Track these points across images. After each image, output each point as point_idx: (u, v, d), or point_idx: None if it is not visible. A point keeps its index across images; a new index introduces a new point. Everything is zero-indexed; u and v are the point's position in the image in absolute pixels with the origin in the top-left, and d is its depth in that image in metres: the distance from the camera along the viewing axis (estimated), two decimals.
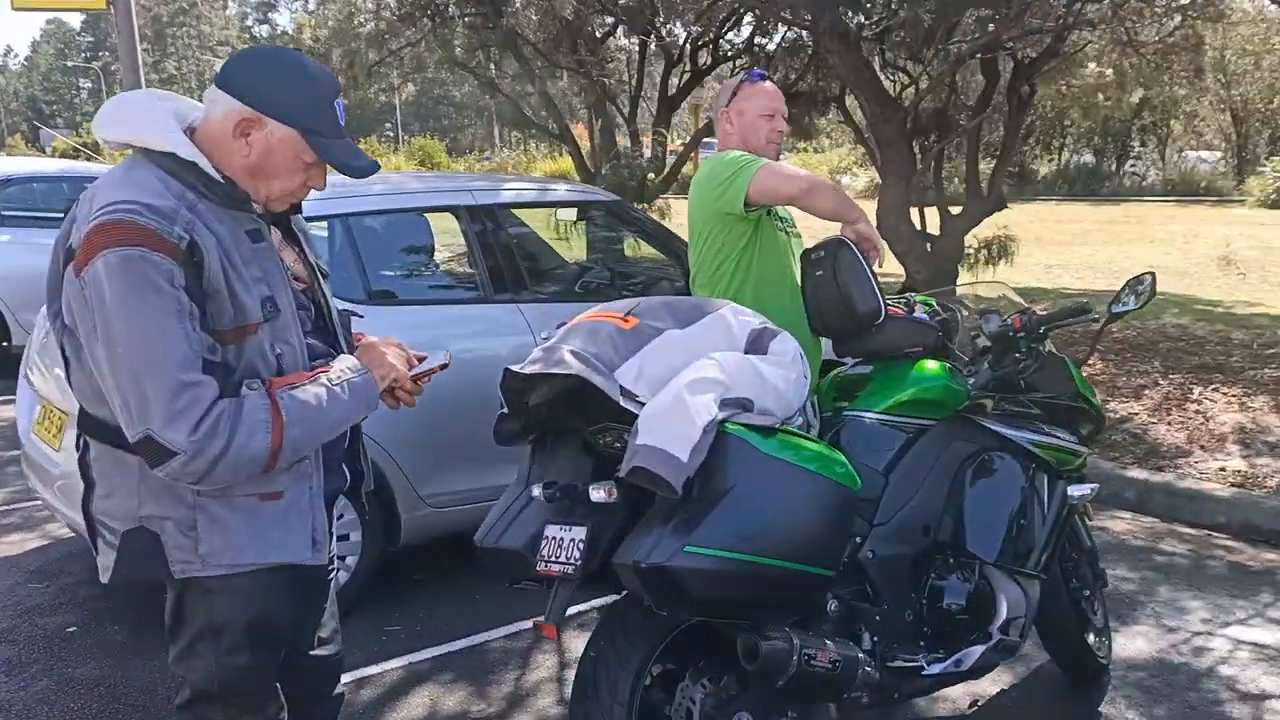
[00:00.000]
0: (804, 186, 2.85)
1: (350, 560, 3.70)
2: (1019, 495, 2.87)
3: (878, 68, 8.27)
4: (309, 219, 3.83)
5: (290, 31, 14.73)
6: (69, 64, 75.66)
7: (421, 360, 1.99)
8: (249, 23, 67.21)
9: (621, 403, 2.23)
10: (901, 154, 7.69)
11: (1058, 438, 3.06)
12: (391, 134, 56.72)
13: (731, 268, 2.97)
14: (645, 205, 9.73)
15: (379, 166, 1.89)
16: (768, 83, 3.13)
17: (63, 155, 24.13)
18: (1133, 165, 33.26)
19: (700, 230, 3.02)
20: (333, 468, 1.95)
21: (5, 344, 7.79)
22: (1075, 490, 3.04)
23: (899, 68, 8.98)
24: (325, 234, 3.95)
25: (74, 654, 3.51)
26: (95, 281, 1.61)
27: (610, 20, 10.23)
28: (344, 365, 1.84)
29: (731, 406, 2.24)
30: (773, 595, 2.23)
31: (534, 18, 9.92)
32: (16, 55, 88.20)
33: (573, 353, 2.28)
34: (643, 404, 2.24)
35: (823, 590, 2.39)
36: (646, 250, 5.25)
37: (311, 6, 12.01)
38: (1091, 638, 3.28)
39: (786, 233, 3.09)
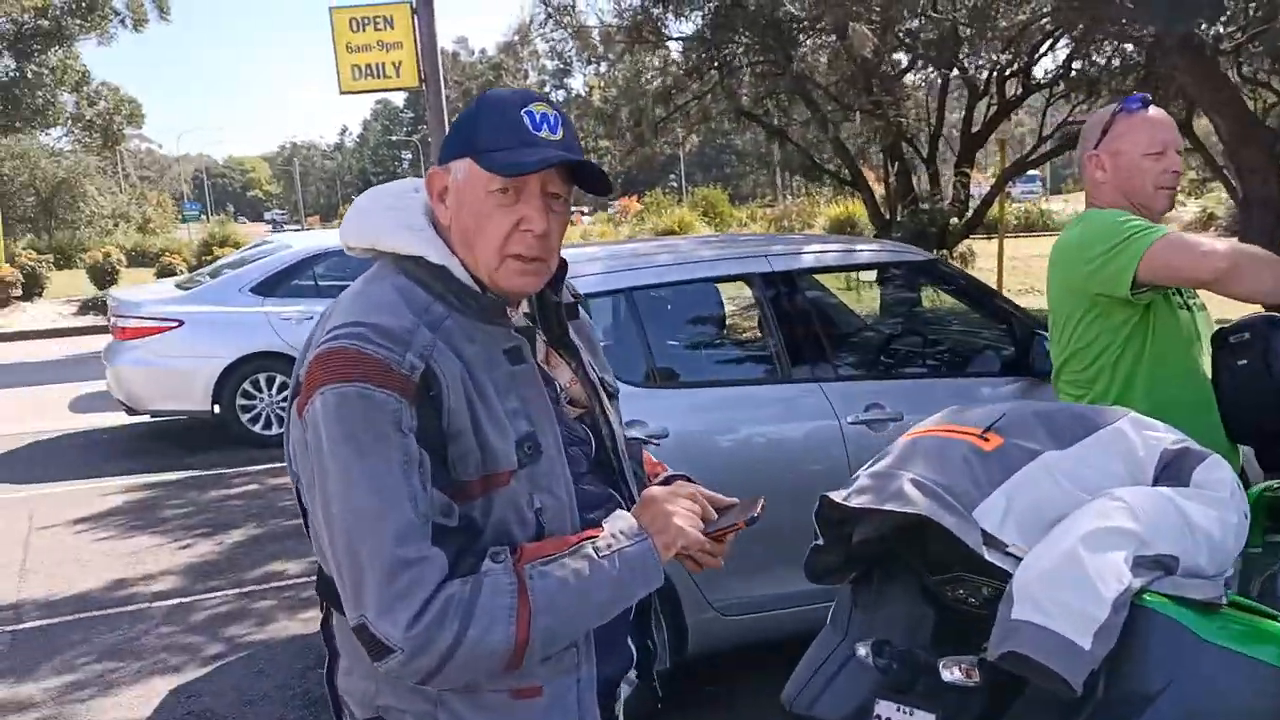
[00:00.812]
0: (1224, 266, 2.08)
1: (633, 674, 3.30)
2: None
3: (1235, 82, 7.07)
4: (589, 295, 3.56)
5: (583, 94, 15.20)
6: (393, 138, 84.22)
7: (725, 510, 1.50)
8: (547, 89, 71.85)
9: (985, 555, 1.65)
10: (1269, 181, 6.47)
11: None
12: (675, 185, 58.19)
13: (1112, 360, 2.27)
14: (946, 252, 8.95)
15: (597, 178, 1.40)
16: (1151, 109, 2.38)
17: None
18: None
19: (1066, 312, 2.33)
20: (612, 647, 1.51)
21: None
22: None
23: (1261, 83, 7.66)
24: (610, 310, 3.65)
25: None
26: (314, 424, 1.29)
27: (907, 56, 9.57)
28: (618, 528, 1.39)
29: (1149, 569, 1.60)
30: None
31: (824, 61, 9.47)
32: (351, 134, 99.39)
33: (915, 483, 1.73)
34: (1015, 557, 1.65)
35: None
36: (962, 310, 4.57)
37: (604, 69, 12.26)
38: None
39: (1188, 307, 2.35)
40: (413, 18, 15.12)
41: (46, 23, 25.99)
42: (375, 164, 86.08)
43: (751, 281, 3.72)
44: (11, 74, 26.81)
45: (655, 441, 1.70)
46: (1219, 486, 1.74)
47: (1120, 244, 2.16)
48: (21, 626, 4.62)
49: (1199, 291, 2.40)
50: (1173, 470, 1.76)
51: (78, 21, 26.40)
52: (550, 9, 10.72)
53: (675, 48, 10.79)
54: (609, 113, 10.56)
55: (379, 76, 15.32)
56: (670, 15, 10.12)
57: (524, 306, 1.50)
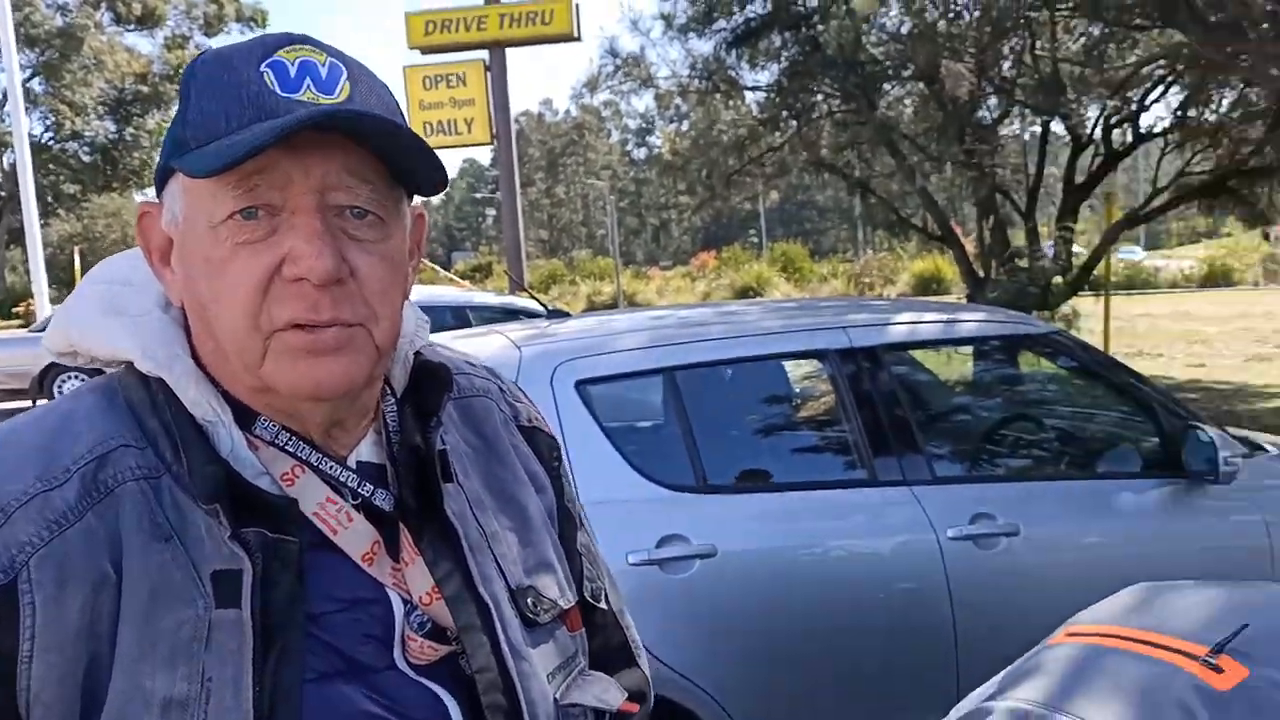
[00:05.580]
0: None
1: None
2: None
3: None
4: (619, 377, 2.89)
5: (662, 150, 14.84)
6: (477, 195, 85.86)
7: None
8: (629, 147, 72.48)
9: None
10: None
11: None
12: (756, 241, 57.70)
13: None
14: (1049, 314, 8.12)
15: (418, 156, 0.77)
16: None
17: (460, 275, 26.58)
18: None
19: None
20: None
21: None
22: None
23: None
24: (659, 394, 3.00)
25: None
26: None
27: (1002, 102, 8.83)
28: None
29: None
30: None
31: (910, 108, 8.81)
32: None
33: None
34: None
35: None
36: (1083, 389, 3.79)
37: (685, 126, 11.81)
38: None
39: None
40: (485, 75, 14.94)
41: (145, 89, 27.04)
42: (459, 220, 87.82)
43: (826, 359, 3.02)
44: (111, 137, 27.89)
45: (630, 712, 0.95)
46: None
47: None
48: None
49: None
50: None
51: (175, 87, 27.46)
52: (618, 60, 10.28)
53: (751, 98, 10.27)
54: (679, 165, 10.05)
55: (450, 134, 15.18)
56: (745, 64, 9.59)
57: (365, 449, 0.82)
